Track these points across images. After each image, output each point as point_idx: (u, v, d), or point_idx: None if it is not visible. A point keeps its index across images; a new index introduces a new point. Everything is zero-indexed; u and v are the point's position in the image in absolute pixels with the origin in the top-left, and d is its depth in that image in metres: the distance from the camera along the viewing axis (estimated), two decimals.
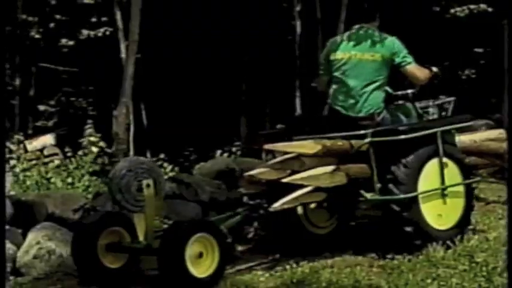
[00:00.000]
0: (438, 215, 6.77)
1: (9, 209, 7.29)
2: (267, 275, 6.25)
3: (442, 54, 13.64)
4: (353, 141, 6.66)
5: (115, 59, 8.08)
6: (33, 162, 9.34)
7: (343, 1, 9.65)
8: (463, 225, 6.91)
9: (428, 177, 6.73)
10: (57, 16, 13.20)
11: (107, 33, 11.60)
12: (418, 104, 7.26)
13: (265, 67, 14.18)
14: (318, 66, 7.37)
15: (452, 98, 7.37)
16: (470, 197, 7.02)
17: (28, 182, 8.59)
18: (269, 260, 6.85)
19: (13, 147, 9.59)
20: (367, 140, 6.61)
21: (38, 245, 7.10)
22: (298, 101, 14.13)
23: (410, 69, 6.99)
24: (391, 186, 6.59)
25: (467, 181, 7.02)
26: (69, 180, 8.48)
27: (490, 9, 14.06)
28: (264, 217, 6.73)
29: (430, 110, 7.25)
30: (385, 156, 6.62)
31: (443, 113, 7.28)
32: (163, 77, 13.68)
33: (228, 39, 13.87)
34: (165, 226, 6.83)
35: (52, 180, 8.62)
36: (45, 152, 10.40)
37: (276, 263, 6.72)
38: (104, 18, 11.51)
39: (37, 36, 13.53)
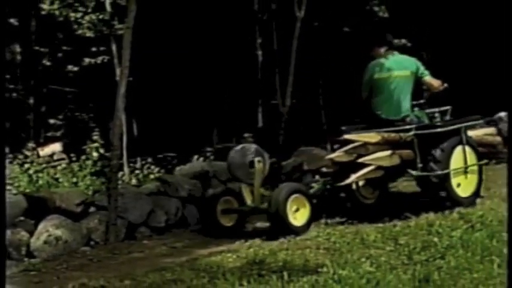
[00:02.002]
0: (462, 185, 7.52)
1: (23, 203, 7.24)
2: (234, 256, 6.20)
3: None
4: (401, 134, 7.38)
5: (111, 81, 8.02)
6: (44, 165, 9.23)
7: (294, 34, 9.63)
8: (476, 194, 7.66)
9: (456, 159, 7.48)
10: (64, 47, 13.12)
11: (105, 60, 11.52)
12: (428, 110, 7.99)
13: (234, 88, 14.16)
14: (362, 86, 7.90)
15: (449, 107, 8.05)
16: (481, 173, 7.75)
17: (40, 182, 8.49)
18: (236, 244, 6.83)
19: (28, 153, 9.46)
20: (412, 132, 7.34)
21: (47, 233, 7.08)
22: (260, 116, 14.13)
23: (428, 80, 7.77)
24: (432, 164, 7.31)
25: (480, 162, 7.76)
26: (74, 180, 8.41)
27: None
28: (335, 188, 7.50)
29: (436, 114, 7.99)
30: (425, 145, 7.34)
31: (444, 117, 8.01)
32: (151, 96, 13.64)
33: (204, 68, 13.85)
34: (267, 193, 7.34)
35: (60, 180, 8.54)
36: (54, 157, 10.29)
37: (241, 246, 6.70)
38: (102, 48, 11.43)
39: (48, 63, 13.43)
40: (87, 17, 9.42)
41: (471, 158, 7.63)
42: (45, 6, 9.66)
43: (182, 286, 5.35)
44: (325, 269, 5.37)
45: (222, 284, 5.30)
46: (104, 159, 8.24)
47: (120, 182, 8.02)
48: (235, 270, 5.64)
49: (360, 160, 7.11)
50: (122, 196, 7.57)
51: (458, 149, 7.49)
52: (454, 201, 7.32)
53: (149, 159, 9.39)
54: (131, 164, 9.40)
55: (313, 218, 7.08)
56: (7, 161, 8.40)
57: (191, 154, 9.89)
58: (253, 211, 7.31)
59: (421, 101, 7.93)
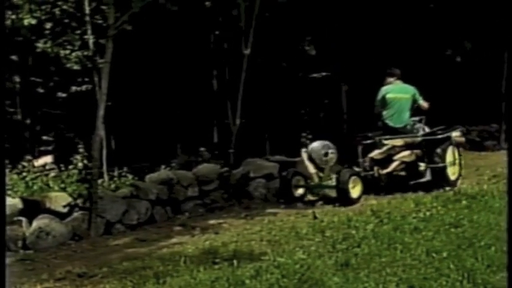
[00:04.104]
0: (452, 173, 8.70)
1: (20, 205, 7.05)
2: (193, 247, 6.12)
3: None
4: (414, 139, 8.63)
5: (93, 105, 7.87)
6: (38, 174, 8.95)
7: (242, 68, 9.62)
8: (458, 179, 8.78)
9: (449, 155, 8.70)
10: (55, 78, 12.87)
11: (88, 88, 11.32)
12: (413, 119, 8.94)
13: (194, 111, 14.09)
14: (375, 103, 8.91)
15: (423, 116, 8.98)
16: (460, 163, 8.97)
17: (35, 187, 8.23)
18: (195, 237, 6.75)
19: (25, 164, 9.16)
20: (421, 138, 8.63)
21: (39, 229, 6.92)
22: (215, 133, 14.07)
23: (421, 102, 8.86)
24: (436, 158, 8.54)
25: (461, 157, 9.02)
26: (62, 185, 8.17)
27: None
28: (373, 176, 8.47)
29: (417, 123, 8.93)
30: (430, 146, 8.59)
31: (421, 124, 8.96)
32: (127, 117, 13.46)
33: (170, 94, 13.74)
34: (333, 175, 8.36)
35: (51, 185, 8.29)
36: (46, 167, 10.00)
37: (199, 238, 6.62)
38: (86, 79, 11.24)
39: (42, 91, 13.14)
40: (74, 54, 9.22)
41: (456, 153, 8.87)
42: (39, 45, 9.44)
43: (150, 272, 5.25)
44: (267, 257, 5.36)
45: (183, 269, 5.22)
46: (87, 168, 8.05)
47: (100, 187, 7.83)
48: (194, 258, 5.58)
49: (395, 157, 8.49)
50: (101, 199, 7.44)
51: (450, 148, 8.72)
52: (448, 183, 8.47)
53: (125, 169, 9.21)
54: (110, 173, 9.18)
55: (363, 193, 8.15)
56: (7, 170, 8.14)
57: (159, 164, 9.74)
58: (320, 187, 8.52)
59: (422, 117, 8.97)
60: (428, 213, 6.52)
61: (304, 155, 8.63)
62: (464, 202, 6.95)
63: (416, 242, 5.39)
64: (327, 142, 8.65)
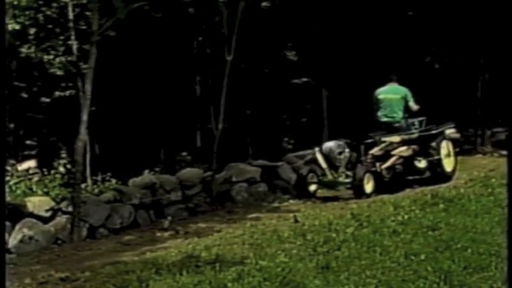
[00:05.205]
0: (448, 165, 9.22)
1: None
2: (176, 251, 6.09)
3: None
4: (410, 136, 9.14)
5: (76, 111, 7.81)
6: (22, 178, 8.87)
7: (225, 73, 9.62)
8: (454, 170, 9.34)
9: (443, 148, 9.24)
10: (39, 83, 12.76)
11: (72, 94, 11.24)
12: (410, 120, 9.42)
13: (177, 116, 14.05)
14: (373, 102, 9.42)
15: (424, 118, 9.47)
16: (456, 156, 9.51)
17: (18, 191, 8.15)
18: (178, 241, 6.72)
19: (8, 168, 9.07)
20: (417, 134, 9.17)
21: (22, 233, 6.85)
22: (198, 138, 14.04)
23: (411, 104, 9.32)
24: (432, 152, 9.10)
25: (456, 150, 9.59)
26: (45, 190, 8.10)
27: None
28: (374, 171, 8.84)
29: (416, 123, 9.41)
30: (425, 141, 9.14)
31: (421, 125, 9.42)
32: (111, 122, 13.38)
33: (153, 100, 13.69)
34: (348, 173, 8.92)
35: (34, 190, 8.21)
36: (30, 171, 9.90)
37: (182, 243, 6.59)
38: (69, 84, 11.16)
39: (25, 96, 13.02)
40: (57, 59, 9.18)
41: (450, 147, 9.40)
42: (23, 50, 9.37)
43: (133, 276, 5.21)
44: (249, 261, 5.34)
45: (166, 273, 5.18)
46: (70, 173, 7.99)
47: (83, 191, 7.78)
48: (177, 262, 5.55)
49: (393, 152, 8.99)
50: (84, 203, 7.39)
51: (444, 142, 9.29)
52: (445, 175, 9.09)
53: (109, 173, 9.15)
54: (93, 177, 9.13)
55: (376, 189, 8.65)
56: None
57: (142, 169, 9.70)
58: (333, 183, 9.02)
59: (423, 118, 9.45)
60: (406, 217, 6.56)
61: (318, 154, 9.14)
62: (441, 205, 7.01)
63: (395, 245, 5.42)
64: (341, 142, 9.23)
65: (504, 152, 11.86)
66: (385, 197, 8.37)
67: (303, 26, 13.59)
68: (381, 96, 9.38)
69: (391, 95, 9.37)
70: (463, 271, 4.63)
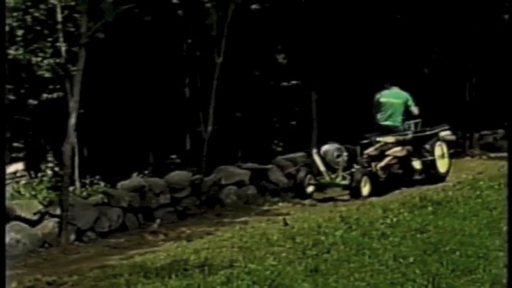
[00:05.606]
0: (441, 166, 9.44)
1: None
2: (165, 254, 6.07)
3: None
4: (405, 137, 9.33)
5: (64, 113, 7.77)
6: (9, 181, 8.80)
7: (214, 76, 9.62)
8: (448, 171, 9.60)
9: (437, 149, 9.47)
10: (26, 85, 12.68)
11: (60, 96, 11.17)
12: (406, 122, 9.58)
13: (166, 118, 14.00)
14: (372, 106, 9.60)
15: (419, 120, 9.62)
16: (450, 158, 9.75)
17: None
18: (166, 245, 6.69)
19: None
20: (411, 135, 9.36)
21: (9, 236, 6.78)
22: (187, 140, 14.01)
23: (413, 108, 9.50)
24: (425, 153, 9.34)
25: (450, 151, 9.83)
26: (33, 192, 8.05)
27: None
28: (370, 171, 8.99)
29: (412, 125, 9.57)
30: (419, 142, 9.35)
31: (417, 127, 9.59)
32: (100, 125, 13.30)
33: (142, 102, 13.65)
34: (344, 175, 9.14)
35: (22, 192, 8.16)
36: (17, 174, 9.83)
37: (170, 246, 6.57)
38: (57, 86, 11.08)
39: (13, 97, 12.92)
40: (46, 61, 9.10)
41: (444, 148, 9.60)
42: (11, 52, 9.31)
43: (121, 280, 5.18)
44: (238, 264, 5.32)
45: (154, 277, 5.16)
46: (58, 176, 7.95)
47: (71, 194, 7.74)
48: (165, 266, 5.51)
49: (388, 152, 9.16)
50: (72, 206, 7.35)
51: (438, 143, 9.49)
52: (438, 176, 9.34)
53: (97, 176, 9.11)
54: (82, 180, 9.08)
55: (373, 191, 8.77)
56: None
57: (131, 171, 9.66)
58: (331, 185, 9.26)
59: (418, 120, 9.61)
60: (395, 219, 6.58)
61: (316, 156, 9.31)
62: (430, 208, 7.04)
63: (383, 248, 5.44)
64: (339, 145, 9.44)
65: (492, 155, 12.00)
66: (374, 199, 8.41)
67: (293, 29, 13.62)
68: (383, 100, 9.53)
69: (394, 99, 9.54)
70: (451, 274, 4.65)
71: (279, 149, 14.12)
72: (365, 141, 9.33)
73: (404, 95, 9.59)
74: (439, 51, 14.15)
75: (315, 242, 5.87)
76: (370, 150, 9.23)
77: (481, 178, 8.99)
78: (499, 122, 13.60)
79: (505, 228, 5.64)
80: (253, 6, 12.99)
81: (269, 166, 9.85)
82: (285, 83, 14.50)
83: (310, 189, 9.22)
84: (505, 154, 11.54)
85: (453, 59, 13.73)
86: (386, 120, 9.49)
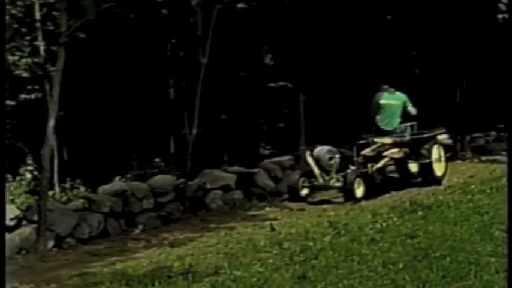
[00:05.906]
0: (438, 169, 9.56)
1: None
2: (147, 261, 6.02)
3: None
4: (403, 139, 9.46)
5: (43, 115, 7.71)
6: None
7: (199, 77, 9.61)
8: (445, 175, 9.69)
9: (434, 152, 9.57)
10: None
11: (38, 97, 11.07)
12: (403, 124, 9.71)
13: (149, 121, 13.94)
14: (370, 107, 9.71)
15: (415, 122, 9.74)
16: (446, 161, 9.87)
17: None
18: (149, 251, 6.65)
19: None
20: (409, 137, 9.49)
21: None
22: (172, 144, 13.97)
23: (410, 109, 9.65)
24: (423, 155, 9.41)
25: (447, 155, 9.95)
26: (10, 197, 7.96)
27: None
28: (364, 173, 9.05)
29: (408, 128, 9.71)
30: (417, 144, 9.46)
31: (413, 129, 9.74)
32: (81, 127, 13.20)
33: (124, 104, 13.59)
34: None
35: None
36: None
37: (153, 252, 6.53)
38: (36, 87, 10.98)
39: None
40: (23, 60, 9.00)
41: (441, 152, 9.75)
42: None
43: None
44: (223, 271, 5.31)
45: (136, 285, 5.12)
46: (37, 180, 7.87)
47: (50, 199, 7.67)
48: (148, 273, 5.48)
49: (385, 154, 9.26)
50: (51, 211, 7.28)
51: (435, 147, 9.61)
52: (435, 179, 9.42)
53: (78, 180, 9.03)
54: (62, 184, 9.00)
55: (366, 193, 8.82)
56: None
57: (113, 175, 9.60)
58: (325, 187, 9.37)
59: (414, 123, 9.75)
60: (384, 224, 6.60)
61: (309, 158, 9.40)
62: (420, 213, 7.07)
63: (372, 254, 5.44)
64: (331, 148, 9.61)
65: (484, 158, 12.09)
66: (363, 203, 8.43)
67: (280, 29, 13.64)
68: (382, 101, 9.67)
69: (393, 101, 9.70)
70: (441, 280, 4.66)
71: (266, 152, 14.13)
72: (361, 142, 9.41)
73: (403, 96, 9.77)
74: (430, 52, 14.24)
75: (303, 248, 5.87)
76: (367, 151, 9.31)
77: (472, 182, 9.05)
78: (491, 124, 13.72)
79: (497, 233, 5.68)
80: (240, 5, 12.99)
81: (256, 170, 9.84)
82: (272, 84, 14.51)
83: (304, 191, 9.29)
84: (496, 157, 11.70)
85: (444, 60, 13.83)
86: (385, 121, 9.61)
